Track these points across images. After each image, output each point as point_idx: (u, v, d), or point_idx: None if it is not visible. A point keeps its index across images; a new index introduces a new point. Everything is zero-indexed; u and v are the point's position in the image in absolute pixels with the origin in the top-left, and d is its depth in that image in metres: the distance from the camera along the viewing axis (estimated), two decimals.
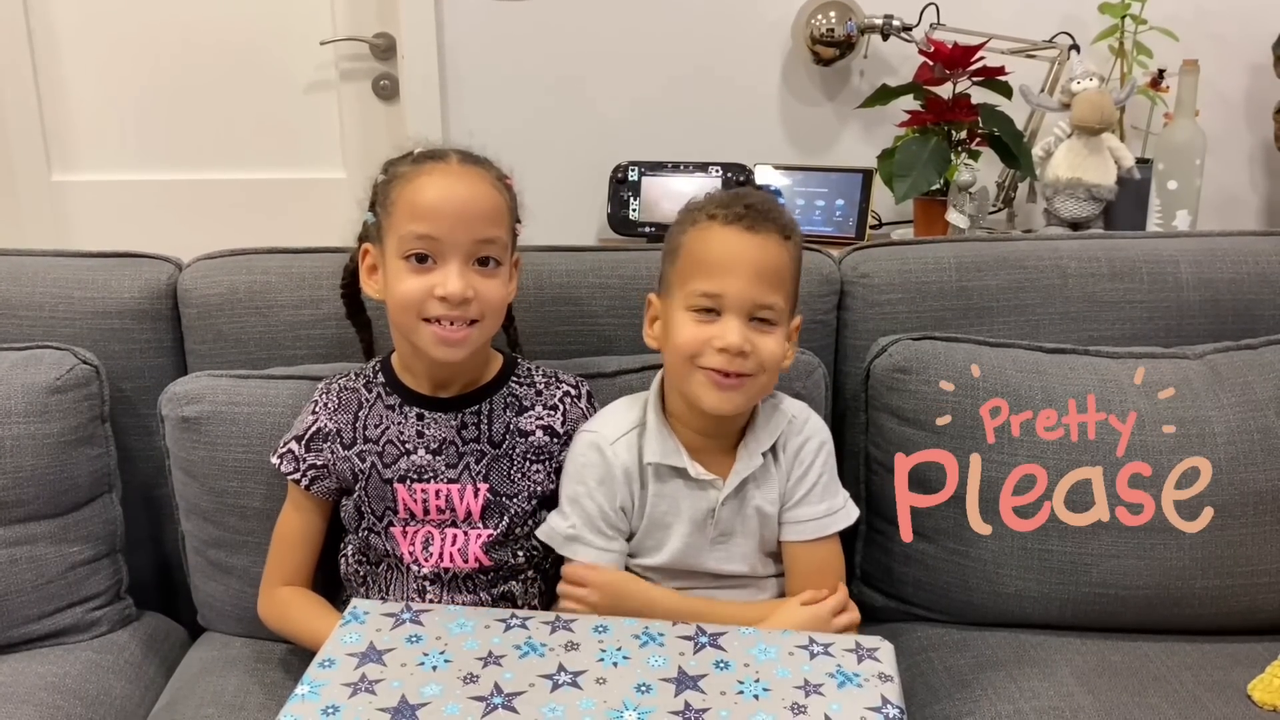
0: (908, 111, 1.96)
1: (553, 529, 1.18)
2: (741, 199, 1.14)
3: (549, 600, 1.25)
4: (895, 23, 2.07)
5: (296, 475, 1.22)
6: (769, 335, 1.12)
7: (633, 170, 2.05)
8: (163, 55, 2.25)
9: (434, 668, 0.98)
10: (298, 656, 1.27)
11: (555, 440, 1.22)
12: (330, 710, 0.92)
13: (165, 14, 2.23)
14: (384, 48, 2.25)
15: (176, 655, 1.39)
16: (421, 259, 1.12)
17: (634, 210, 2.05)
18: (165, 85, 2.27)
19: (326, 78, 2.29)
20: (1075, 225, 1.95)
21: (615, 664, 0.99)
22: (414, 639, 1.02)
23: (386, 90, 2.28)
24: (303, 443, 1.22)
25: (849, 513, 1.22)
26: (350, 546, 1.26)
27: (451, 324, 1.12)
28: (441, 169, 1.15)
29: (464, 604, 1.20)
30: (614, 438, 1.18)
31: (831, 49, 2.09)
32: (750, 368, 1.11)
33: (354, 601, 1.09)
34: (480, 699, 0.94)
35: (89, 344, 1.37)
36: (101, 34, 2.24)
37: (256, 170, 2.32)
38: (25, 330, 1.38)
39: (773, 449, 1.19)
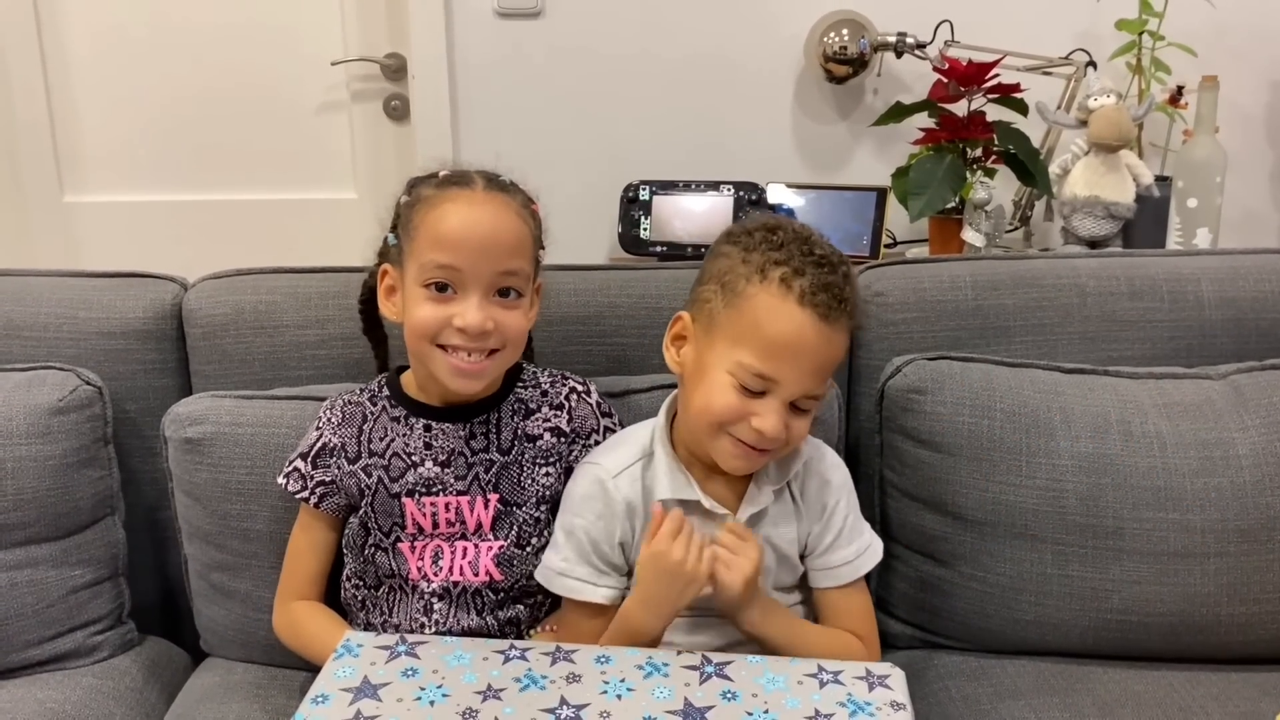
0: (922, 129, 1.94)
1: (546, 566, 1.15)
2: (823, 271, 1.04)
3: None
4: (909, 40, 2.05)
5: (305, 494, 1.21)
6: (803, 419, 1.09)
7: (644, 189, 2.04)
8: (174, 76, 2.26)
9: (431, 702, 0.95)
10: (301, 682, 1.25)
11: (563, 440, 1.20)
12: None
13: (177, 35, 2.24)
14: (395, 68, 2.25)
15: (179, 681, 1.37)
16: (441, 288, 1.10)
17: (645, 229, 2.04)
18: (176, 106, 2.27)
19: (337, 98, 2.29)
20: (1093, 243, 1.92)
21: (619, 696, 0.96)
22: (410, 672, 0.99)
23: (397, 111, 2.28)
24: (309, 459, 1.21)
25: (876, 549, 1.19)
26: (348, 570, 1.24)
27: (469, 355, 1.11)
28: (466, 196, 1.12)
29: (470, 625, 1.17)
30: (616, 471, 1.14)
31: (845, 66, 2.08)
32: (777, 445, 1.08)
33: (346, 633, 1.06)
34: None
35: (93, 364, 1.36)
36: (113, 55, 2.25)
37: (268, 191, 2.32)
38: (29, 351, 1.37)
39: (788, 487, 1.16)
